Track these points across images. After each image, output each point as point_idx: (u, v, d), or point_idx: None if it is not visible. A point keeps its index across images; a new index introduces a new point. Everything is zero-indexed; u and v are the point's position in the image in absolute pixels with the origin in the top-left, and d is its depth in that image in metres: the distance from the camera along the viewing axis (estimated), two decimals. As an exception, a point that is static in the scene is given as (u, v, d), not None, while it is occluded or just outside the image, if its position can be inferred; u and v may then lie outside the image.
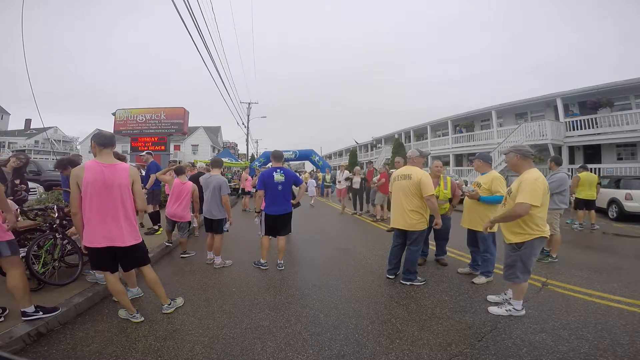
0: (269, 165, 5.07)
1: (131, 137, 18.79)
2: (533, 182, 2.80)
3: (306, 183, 10.74)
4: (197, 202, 5.37)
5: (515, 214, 2.83)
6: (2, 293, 2.95)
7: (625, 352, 2.38)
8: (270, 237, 4.50)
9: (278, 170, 4.34)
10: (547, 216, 4.67)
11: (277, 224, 4.42)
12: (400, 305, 3.28)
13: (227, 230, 4.72)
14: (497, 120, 18.54)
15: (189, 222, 5.29)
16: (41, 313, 2.64)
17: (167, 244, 5.32)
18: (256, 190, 4.53)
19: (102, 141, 2.71)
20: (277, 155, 4.51)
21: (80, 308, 2.99)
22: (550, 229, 4.76)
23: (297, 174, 5.20)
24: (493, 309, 3.08)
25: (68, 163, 4.12)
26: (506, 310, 3.01)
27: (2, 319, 2.60)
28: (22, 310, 2.58)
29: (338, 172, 11.16)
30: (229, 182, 16.97)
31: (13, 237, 2.66)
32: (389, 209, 8.50)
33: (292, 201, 4.59)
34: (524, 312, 3.01)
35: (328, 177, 17.69)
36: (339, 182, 10.50)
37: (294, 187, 4.62)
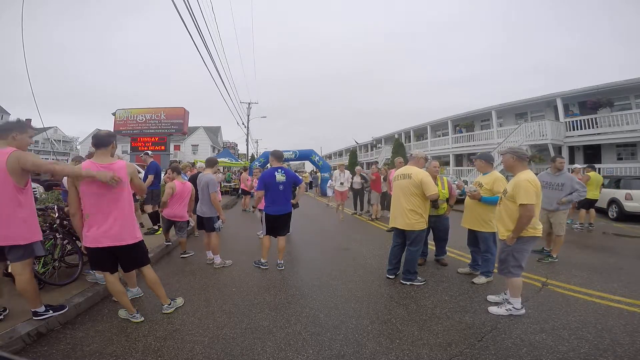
0: (269, 165, 5.07)
1: (131, 137, 18.80)
2: (526, 183, 2.92)
3: (306, 183, 10.37)
4: (192, 200, 5.39)
5: (525, 218, 2.90)
6: (2, 293, 2.95)
7: (625, 352, 2.38)
8: (270, 236, 4.51)
9: (279, 170, 4.35)
10: (559, 216, 4.73)
11: (277, 224, 4.43)
12: (400, 305, 3.28)
13: (220, 229, 4.60)
14: (497, 120, 18.55)
15: (188, 222, 5.29)
16: (51, 312, 2.66)
17: (166, 243, 5.33)
18: (256, 191, 4.53)
19: (94, 142, 2.73)
20: (277, 155, 4.52)
21: (80, 308, 3.00)
22: (560, 229, 4.78)
23: (297, 174, 5.20)
24: (493, 309, 3.09)
25: None
26: (506, 310, 3.02)
27: (2, 317, 2.60)
28: (33, 310, 2.59)
29: (337, 172, 9.80)
30: (229, 182, 16.95)
31: None
32: (387, 208, 8.46)
33: (292, 201, 4.60)
34: (523, 311, 3.01)
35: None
36: (342, 183, 9.44)
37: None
